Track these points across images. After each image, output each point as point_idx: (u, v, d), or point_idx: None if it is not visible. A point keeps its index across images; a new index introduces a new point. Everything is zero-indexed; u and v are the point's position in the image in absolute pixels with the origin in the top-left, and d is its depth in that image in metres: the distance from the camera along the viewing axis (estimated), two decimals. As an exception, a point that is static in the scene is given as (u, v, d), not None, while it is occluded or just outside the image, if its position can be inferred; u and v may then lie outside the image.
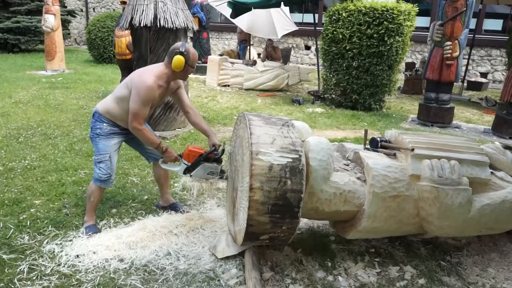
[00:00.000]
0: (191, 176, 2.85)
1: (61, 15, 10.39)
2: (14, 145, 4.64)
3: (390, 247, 2.89)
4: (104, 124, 2.82)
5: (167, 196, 3.28)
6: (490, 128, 6.28)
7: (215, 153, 2.84)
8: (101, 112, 2.82)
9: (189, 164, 2.81)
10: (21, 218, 3.05)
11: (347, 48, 6.98)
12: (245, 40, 11.24)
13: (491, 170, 2.65)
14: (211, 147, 2.86)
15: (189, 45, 2.80)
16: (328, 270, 2.58)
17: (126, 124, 2.77)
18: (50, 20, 9.70)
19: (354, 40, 6.88)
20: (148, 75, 2.68)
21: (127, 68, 6.93)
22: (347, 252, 2.79)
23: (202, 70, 10.32)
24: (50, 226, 2.94)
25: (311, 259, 2.68)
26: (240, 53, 11.32)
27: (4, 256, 2.55)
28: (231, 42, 14.37)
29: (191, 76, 9.74)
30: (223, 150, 2.91)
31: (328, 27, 7.19)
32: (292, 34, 11.74)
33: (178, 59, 2.66)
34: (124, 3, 6.23)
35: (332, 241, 2.93)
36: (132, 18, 4.88)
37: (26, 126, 5.37)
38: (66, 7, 15.58)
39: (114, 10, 15.79)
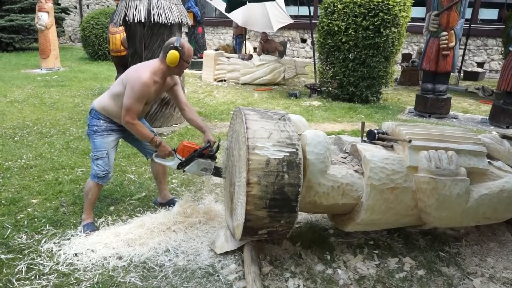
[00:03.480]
0: (184, 171, 2.82)
1: (54, 12, 10.30)
2: (10, 144, 4.61)
3: (389, 239, 2.89)
4: (101, 121, 2.81)
5: (165, 193, 3.28)
6: (487, 117, 6.28)
7: (209, 149, 2.81)
8: (98, 109, 2.82)
9: (183, 159, 2.79)
10: (18, 217, 3.04)
11: (343, 40, 6.95)
12: (240, 34, 11.19)
13: (488, 160, 2.65)
14: (205, 143, 2.83)
15: (184, 40, 2.79)
16: (327, 263, 2.58)
17: None
18: (44, 18, 9.63)
19: (350, 32, 6.85)
20: (144, 70, 2.67)
21: (122, 64, 6.88)
22: (346, 245, 2.79)
23: (198, 65, 10.28)
24: (47, 225, 2.93)
25: (310, 252, 2.68)
26: (236, 48, 11.26)
27: (2, 256, 2.54)
28: (227, 36, 14.30)
29: (187, 71, 9.72)
30: (218, 147, 2.88)
31: (324, 20, 7.16)
32: (288, 27, 11.68)
33: (173, 54, 2.65)
34: (118, -1, 6.17)
35: (330, 234, 2.93)
36: (125, 14, 4.84)
37: (21, 125, 5.34)
38: (59, 4, 15.47)
39: (108, 6, 15.66)
